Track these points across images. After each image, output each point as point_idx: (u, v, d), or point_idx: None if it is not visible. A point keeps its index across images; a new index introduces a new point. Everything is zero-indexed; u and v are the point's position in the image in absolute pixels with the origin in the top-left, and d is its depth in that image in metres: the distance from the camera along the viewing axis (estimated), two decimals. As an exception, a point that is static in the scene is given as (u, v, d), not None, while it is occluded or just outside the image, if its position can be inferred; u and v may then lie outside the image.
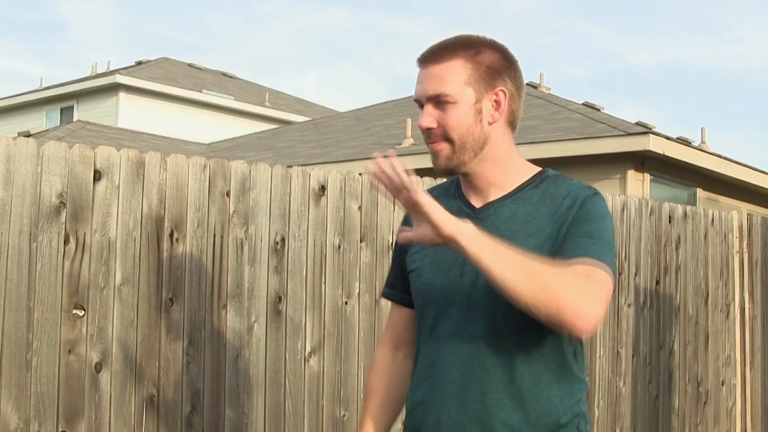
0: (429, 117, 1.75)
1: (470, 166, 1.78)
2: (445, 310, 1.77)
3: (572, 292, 1.57)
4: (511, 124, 1.82)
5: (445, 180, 1.94)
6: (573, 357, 1.79)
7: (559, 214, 1.73)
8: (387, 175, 1.53)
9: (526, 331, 1.71)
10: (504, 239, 1.68)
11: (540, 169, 1.85)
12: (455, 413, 1.73)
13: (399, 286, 1.95)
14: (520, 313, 1.63)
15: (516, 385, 1.71)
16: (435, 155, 1.78)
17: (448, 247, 1.60)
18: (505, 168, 1.81)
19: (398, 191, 1.54)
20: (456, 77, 1.74)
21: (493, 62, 1.77)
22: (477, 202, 1.82)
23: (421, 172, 3.29)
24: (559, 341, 1.76)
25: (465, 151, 1.76)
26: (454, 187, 1.89)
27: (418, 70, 1.79)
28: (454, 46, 1.77)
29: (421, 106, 1.78)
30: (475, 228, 1.57)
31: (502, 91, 1.77)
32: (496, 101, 1.77)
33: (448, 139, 1.75)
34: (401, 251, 1.94)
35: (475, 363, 1.73)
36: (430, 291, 1.80)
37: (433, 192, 1.89)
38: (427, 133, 1.77)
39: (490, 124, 1.77)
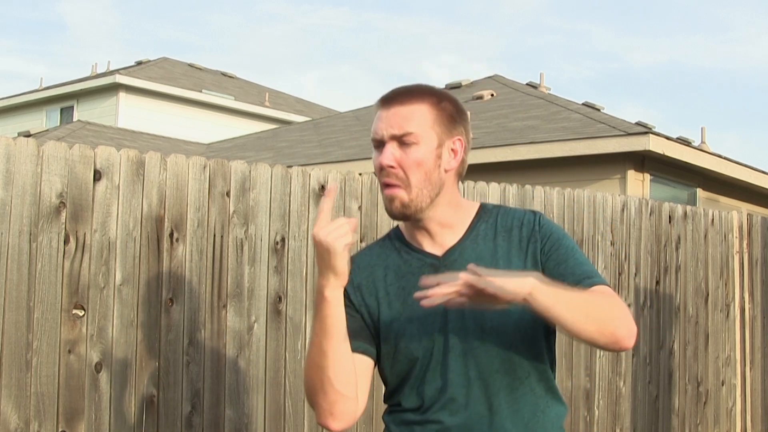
0: (390, 155, 1.74)
1: (425, 212, 1.78)
2: (441, 360, 1.75)
3: (618, 316, 1.70)
4: (460, 174, 1.85)
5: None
6: (554, 380, 1.85)
7: (523, 245, 1.80)
8: (440, 294, 1.57)
9: (522, 362, 1.76)
10: None
11: (478, 204, 1.89)
12: None
13: (363, 336, 1.80)
14: (513, 346, 1.74)
15: (520, 417, 1.75)
16: (390, 200, 1.76)
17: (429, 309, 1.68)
18: (455, 210, 1.83)
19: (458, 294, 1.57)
20: (422, 119, 1.76)
21: (453, 112, 1.80)
22: (435, 249, 1.81)
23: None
24: (546, 366, 1.82)
25: (422, 197, 1.75)
26: (395, 240, 1.86)
27: (378, 111, 1.79)
28: (419, 90, 1.80)
29: (379, 146, 1.77)
30: (539, 278, 1.63)
31: (459, 140, 1.80)
32: (453, 150, 1.80)
33: (405, 183, 1.74)
34: (359, 310, 1.81)
35: (481, 403, 1.74)
36: (421, 346, 1.77)
37: (371, 252, 1.86)
38: (387, 172, 1.75)
39: (446, 171, 1.79)
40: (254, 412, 3.11)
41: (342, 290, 1.67)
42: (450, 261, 1.79)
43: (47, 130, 15.22)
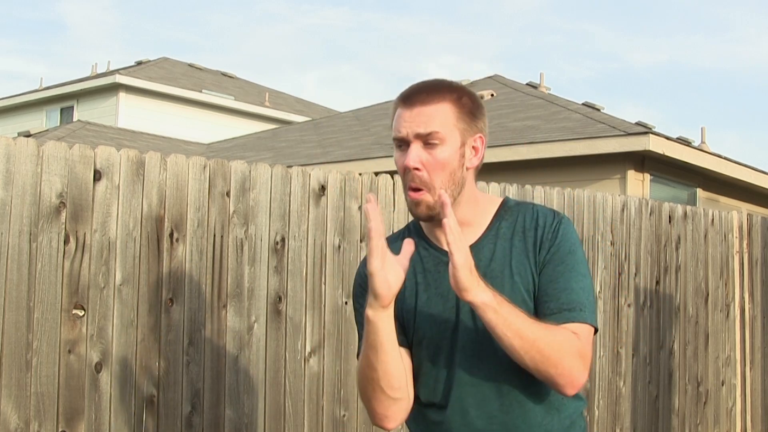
0: (416, 157, 1.71)
1: None
2: (451, 359, 1.77)
3: (566, 361, 1.66)
4: (478, 169, 1.83)
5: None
6: None
7: (536, 247, 1.77)
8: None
9: None
10: (492, 280, 1.71)
11: (501, 199, 1.87)
12: None
13: (397, 329, 1.77)
14: None
15: (533, 416, 1.76)
16: (416, 204, 1.74)
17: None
18: (474, 206, 1.82)
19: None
20: (445, 118, 1.73)
21: (472, 108, 1.77)
22: None
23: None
24: None
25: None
26: (414, 235, 1.84)
27: (400, 110, 1.75)
28: (441, 87, 1.76)
29: (402, 145, 1.75)
30: (495, 297, 1.61)
31: (481, 137, 1.78)
32: (474, 147, 1.78)
33: (429, 186, 1.72)
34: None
35: (492, 402, 1.75)
36: (433, 342, 1.78)
37: (393, 247, 1.77)
38: (412, 176, 1.72)
39: (467, 169, 1.77)
40: (254, 412, 3.11)
41: (384, 312, 1.65)
42: None
43: (47, 130, 15.20)
